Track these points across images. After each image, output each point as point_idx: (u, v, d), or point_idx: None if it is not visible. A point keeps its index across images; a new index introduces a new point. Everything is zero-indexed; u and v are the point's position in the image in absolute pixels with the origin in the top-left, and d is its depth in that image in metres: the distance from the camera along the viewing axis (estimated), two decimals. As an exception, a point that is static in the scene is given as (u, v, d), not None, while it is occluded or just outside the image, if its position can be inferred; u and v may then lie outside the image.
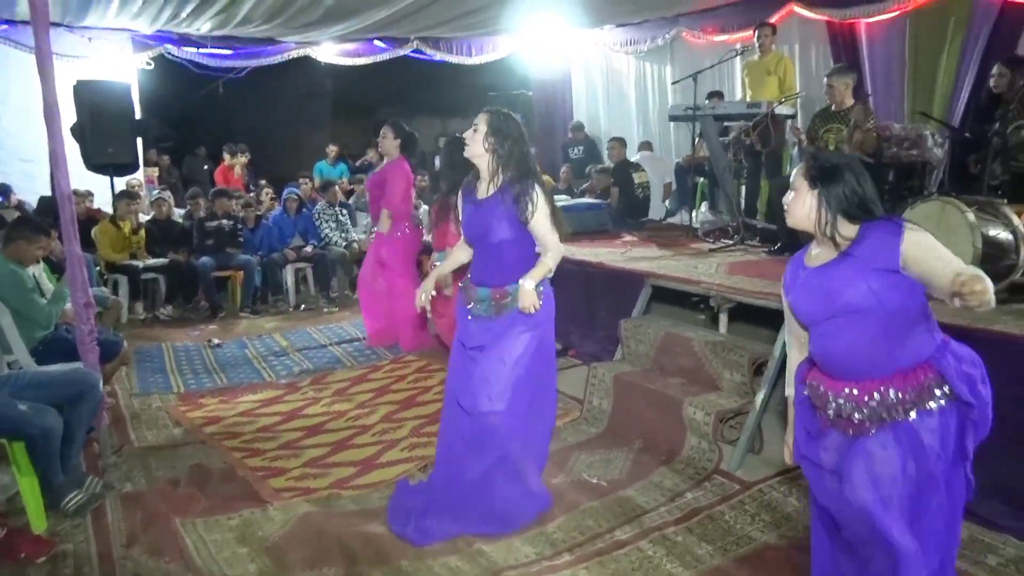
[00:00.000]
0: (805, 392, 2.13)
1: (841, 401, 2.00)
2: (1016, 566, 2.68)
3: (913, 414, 1.92)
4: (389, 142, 5.47)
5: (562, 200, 6.96)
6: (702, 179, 7.16)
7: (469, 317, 3.03)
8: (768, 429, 3.68)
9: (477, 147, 2.86)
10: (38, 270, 4.18)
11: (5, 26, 7.55)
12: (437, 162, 12.07)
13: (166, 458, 3.75)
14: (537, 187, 2.86)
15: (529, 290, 2.85)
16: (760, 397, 3.55)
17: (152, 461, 3.69)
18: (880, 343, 1.93)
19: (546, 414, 3.17)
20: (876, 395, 1.94)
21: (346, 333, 6.29)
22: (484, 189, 2.92)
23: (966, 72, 5.75)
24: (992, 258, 3.41)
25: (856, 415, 1.97)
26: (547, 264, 2.90)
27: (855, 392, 1.97)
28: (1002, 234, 3.47)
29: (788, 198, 2.08)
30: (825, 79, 5.07)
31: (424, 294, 3.08)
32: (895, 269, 1.89)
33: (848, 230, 1.97)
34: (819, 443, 2.09)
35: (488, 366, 2.92)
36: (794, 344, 2.22)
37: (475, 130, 2.87)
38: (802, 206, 2.02)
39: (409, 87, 14.76)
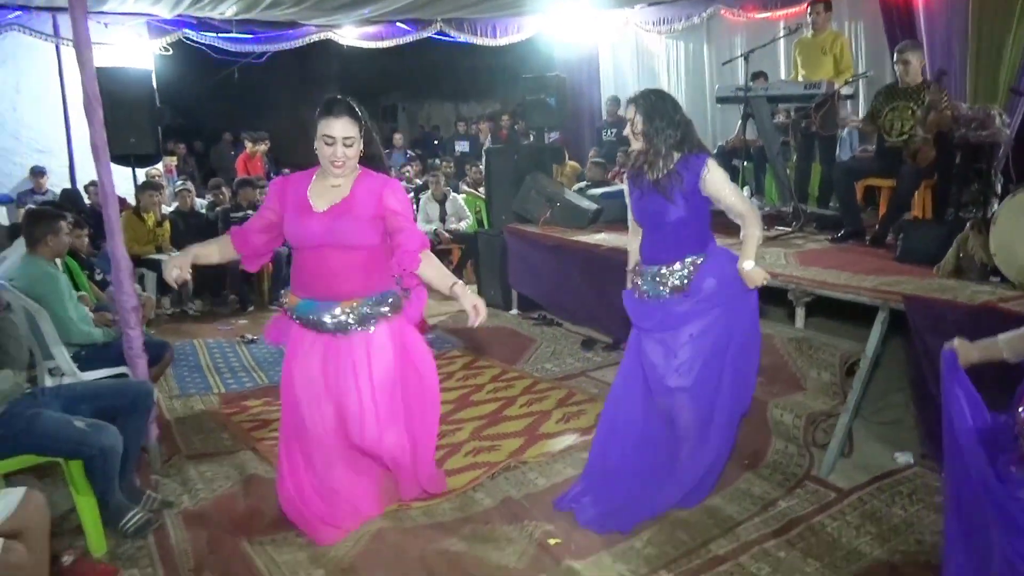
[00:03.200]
0: None
1: None
2: None
3: None
4: None
5: (599, 189, 6.73)
6: (746, 163, 6.90)
7: (638, 297, 3.03)
8: (856, 431, 3.47)
9: (637, 142, 2.90)
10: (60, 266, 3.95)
11: (19, 12, 7.29)
12: (456, 147, 11.88)
13: (220, 467, 3.54)
14: (705, 156, 2.87)
15: (750, 270, 2.88)
16: (853, 398, 3.33)
17: (207, 471, 3.48)
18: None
19: (740, 394, 3.06)
20: None
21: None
22: (653, 173, 2.88)
23: (1034, 52, 5.47)
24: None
25: None
26: (755, 235, 2.88)
27: None
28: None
29: None
30: (897, 53, 4.80)
31: None
32: None
33: None
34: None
35: (674, 343, 2.93)
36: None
37: (631, 125, 2.90)
38: None
39: (421, 71, 14.48)
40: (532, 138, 8.18)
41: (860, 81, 5.83)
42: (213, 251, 2.75)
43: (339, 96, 2.61)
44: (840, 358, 3.47)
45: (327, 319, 2.64)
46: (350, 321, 2.66)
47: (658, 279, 2.94)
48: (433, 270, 2.66)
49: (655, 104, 2.90)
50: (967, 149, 4.93)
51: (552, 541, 2.87)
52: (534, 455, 3.63)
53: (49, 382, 3.48)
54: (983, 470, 1.83)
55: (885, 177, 4.95)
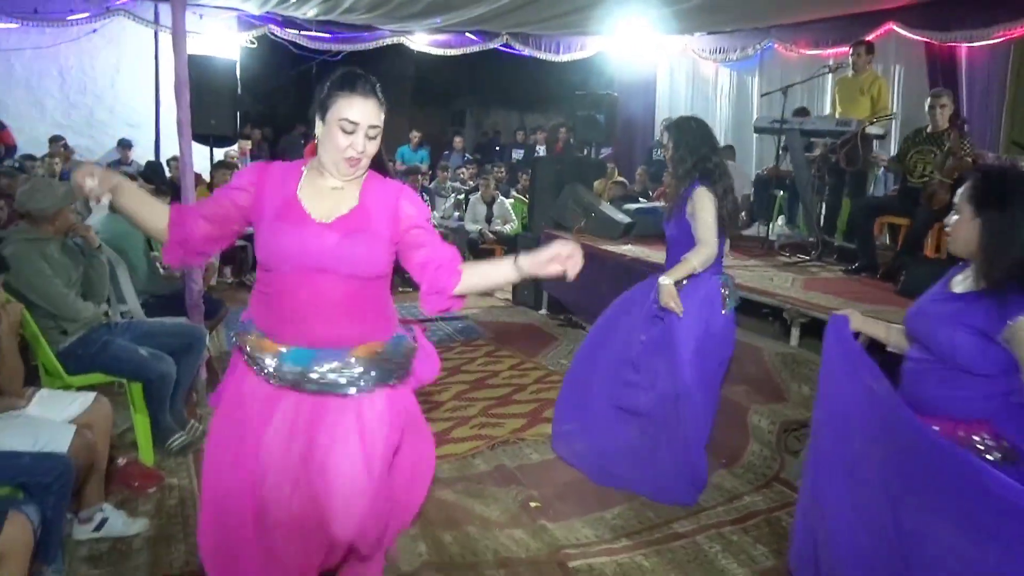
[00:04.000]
0: None
1: None
2: None
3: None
4: None
5: (638, 204, 7.07)
6: (782, 192, 7.15)
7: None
8: (831, 444, 3.73)
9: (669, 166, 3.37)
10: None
11: (125, 0, 8.07)
12: (513, 154, 12.36)
13: (255, 413, 4.04)
14: (701, 189, 3.12)
15: (663, 285, 3.15)
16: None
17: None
18: (943, 388, 1.98)
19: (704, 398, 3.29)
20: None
21: (419, 312, 6.52)
22: (671, 194, 3.37)
23: (1069, 105, 5.61)
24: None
25: None
26: (690, 261, 3.13)
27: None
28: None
29: (951, 220, 2.04)
30: (930, 99, 5.01)
31: None
32: (994, 335, 1.87)
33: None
34: None
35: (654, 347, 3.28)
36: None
37: (664, 149, 3.38)
38: (964, 231, 1.97)
39: (490, 79, 15.01)
40: (586, 152, 8.60)
41: (894, 122, 6.02)
42: (141, 204, 1.88)
43: (360, 71, 1.88)
44: (817, 373, 3.74)
45: (315, 374, 1.85)
46: (353, 376, 1.88)
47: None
48: (478, 274, 1.97)
49: (684, 131, 3.25)
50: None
51: (533, 504, 3.26)
52: (533, 435, 4.01)
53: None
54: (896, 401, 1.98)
55: (903, 216, 5.17)
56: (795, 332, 4.23)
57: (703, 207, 3.11)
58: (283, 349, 1.85)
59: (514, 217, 8.48)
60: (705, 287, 3.22)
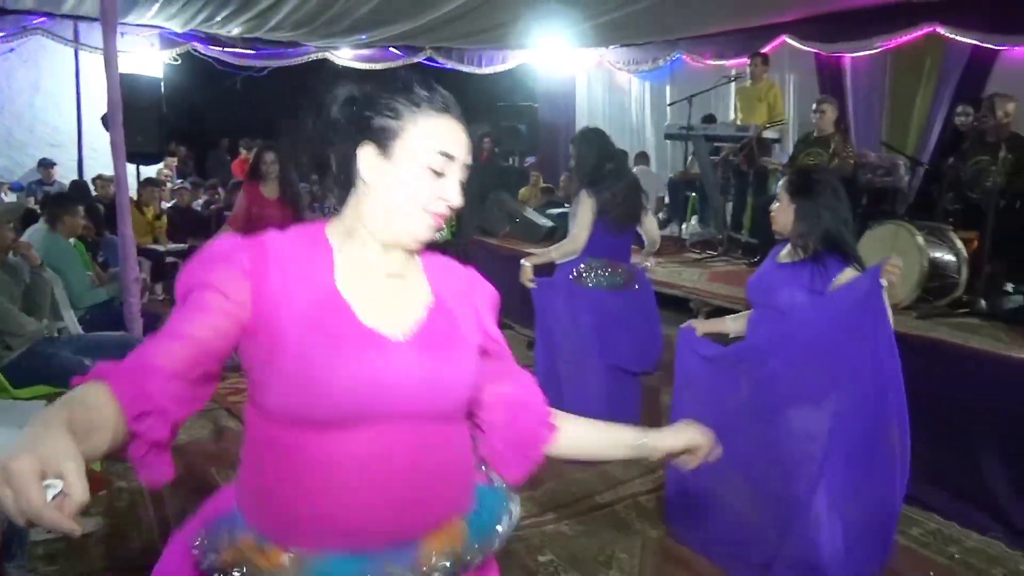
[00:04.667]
0: None
1: None
2: (934, 537, 3.15)
3: None
4: None
5: (561, 209, 7.44)
6: (693, 194, 7.63)
7: None
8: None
9: None
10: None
11: (43, 19, 7.99)
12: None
13: (196, 420, 4.19)
14: (583, 193, 3.59)
15: (523, 265, 3.72)
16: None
17: (187, 421, 4.13)
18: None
19: None
20: None
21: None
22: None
23: (938, 109, 6.25)
24: (936, 276, 3.88)
25: None
26: (549, 252, 3.73)
27: None
28: (947, 256, 3.93)
29: (774, 206, 2.58)
30: (816, 104, 5.52)
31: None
32: (820, 292, 2.41)
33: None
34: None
35: None
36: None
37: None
38: (783, 214, 2.51)
39: (418, 91, 15.25)
40: (511, 160, 8.94)
41: (791, 126, 6.56)
42: (88, 433, 0.86)
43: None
44: (720, 355, 4.15)
45: None
46: None
47: None
48: (591, 432, 1.34)
49: (580, 143, 3.72)
50: (872, 193, 5.66)
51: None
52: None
53: (58, 338, 4.12)
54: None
55: (798, 212, 5.66)
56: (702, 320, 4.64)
57: (581, 209, 3.59)
58: (309, 558, 1.05)
59: (443, 225, 8.71)
60: (562, 271, 3.77)
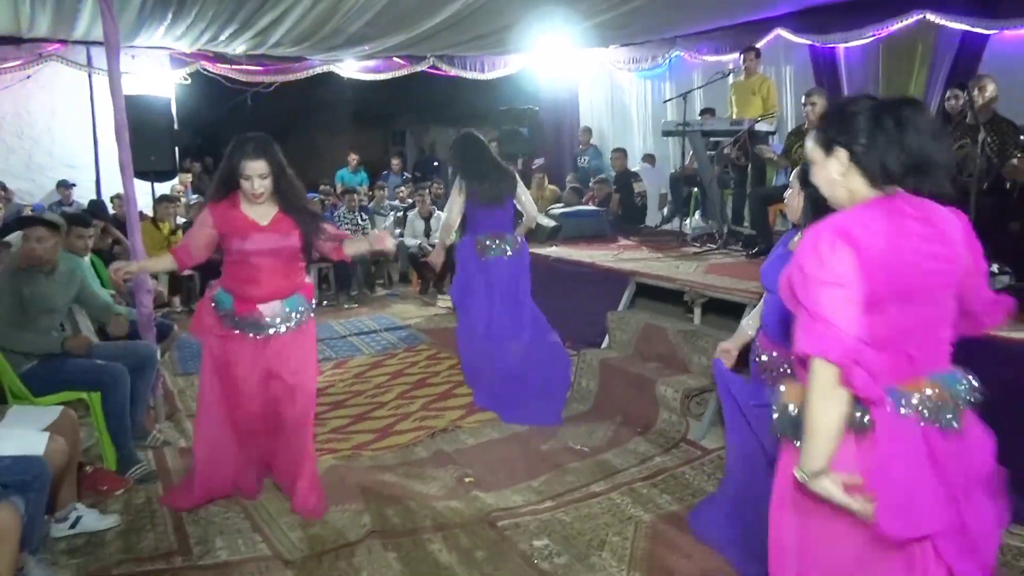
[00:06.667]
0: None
1: (765, 358, 2.57)
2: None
3: None
4: None
5: (566, 209, 7.57)
6: (695, 189, 7.72)
7: None
8: (731, 406, 4.23)
9: None
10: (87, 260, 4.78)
11: (57, 45, 8.28)
12: (450, 170, 12.79)
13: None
14: (456, 183, 4.69)
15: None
16: (722, 377, 4.10)
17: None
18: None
19: None
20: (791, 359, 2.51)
21: (364, 326, 6.90)
22: None
23: (931, 95, 6.29)
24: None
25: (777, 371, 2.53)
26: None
27: (775, 354, 2.54)
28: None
29: (787, 194, 2.63)
30: (806, 97, 5.59)
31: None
32: None
33: None
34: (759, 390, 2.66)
35: None
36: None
37: None
38: (795, 201, 2.55)
39: (426, 98, 15.44)
40: (520, 164, 9.05)
41: (788, 119, 6.63)
42: None
43: None
44: (713, 344, 4.22)
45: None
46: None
47: None
48: None
49: (454, 147, 4.86)
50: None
51: (468, 479, 3.67)
52: (470, 423, 4.42)
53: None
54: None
55: (792, 202, 5.74)
56: (697, 312, 4.74)
57: (451, 196, 4.66)
58: None
59: (452, 229, 8.88)
60: (462, 245, 4.83)
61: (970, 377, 1.71)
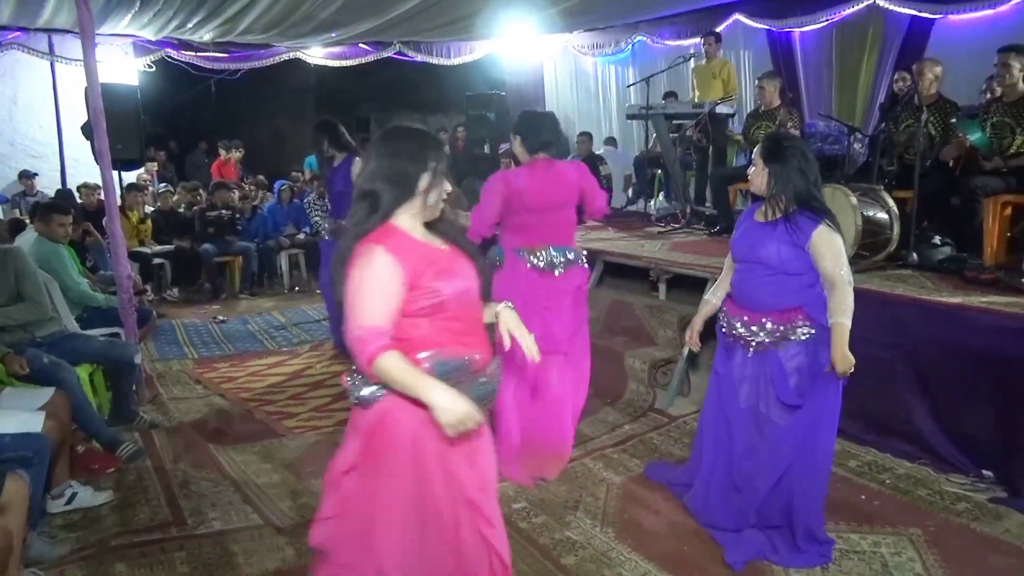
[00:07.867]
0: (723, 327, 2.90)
1: (738, 324, 2.78)
2: (869, 467, 3.48)
3: (782, 346, 2.70)
4: None
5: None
6: (659, 171, 7.94)
7: None
8: (695, 377, 4.46)
9: None
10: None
11: (18, 33, 8.17)
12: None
13: (193, 404, 4.49)
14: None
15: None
16: (686, 349, 4.32)
17: (183, 406, 4.42)
18: (771, 288, 2.70)
19: None
20: (762, 322, 2.72)
21: (338, 310, 7.00)
22: None
23: (881, 78, 6.58)
24: (871, 233, 4.19)
25: (748, 337, 2.74)
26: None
27: (746, 319, 2.76)
28: (879, 214, 4.25)
29: (750, 170, 2.79)
30: (756, 81, 5.82)
31: None
32: (802, 246, 2.62)
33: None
34: (730, 359, 2.87)
35: None
36: (725, 269, 2.98)
37: None
38: (758, 177, 2.72)
39: (391, 85, 15.42)
40: (487, 149, 9.19)
41: (747, 101, 6.86)
42: None
43: None
44: (678, 317, 4.47)
45: None
46: None
47: None
48: None
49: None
50: (822, 160, 5.96)
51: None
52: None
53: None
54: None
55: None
56: (662, 288, 4.95)
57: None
58: None
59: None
60: None
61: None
